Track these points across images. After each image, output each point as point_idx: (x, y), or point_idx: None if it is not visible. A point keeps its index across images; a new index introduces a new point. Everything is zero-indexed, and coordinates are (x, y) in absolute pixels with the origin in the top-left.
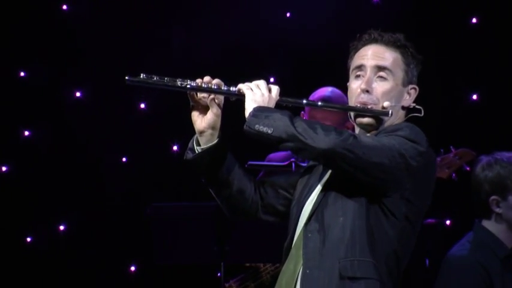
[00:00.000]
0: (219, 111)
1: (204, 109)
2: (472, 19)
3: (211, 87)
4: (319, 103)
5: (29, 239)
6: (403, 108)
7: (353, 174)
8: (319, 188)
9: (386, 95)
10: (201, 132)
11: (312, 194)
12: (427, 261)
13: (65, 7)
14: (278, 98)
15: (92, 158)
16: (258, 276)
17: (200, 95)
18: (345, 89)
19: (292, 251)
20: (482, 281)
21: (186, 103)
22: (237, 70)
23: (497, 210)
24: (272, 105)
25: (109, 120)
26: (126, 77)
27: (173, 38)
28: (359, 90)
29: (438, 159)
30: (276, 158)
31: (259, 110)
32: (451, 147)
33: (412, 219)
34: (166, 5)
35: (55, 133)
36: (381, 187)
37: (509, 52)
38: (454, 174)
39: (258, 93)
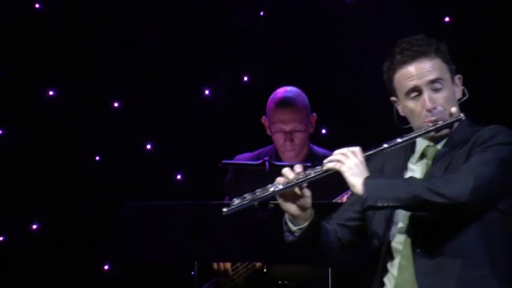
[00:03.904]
0: (309, 193)
1: (291, 196)
2: (445, 18)
3: (301, 179)
4: (398, 140)
5: (1, 238)
6: (458, 100)
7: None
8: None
9: (448, 102)
10: (296, 216)
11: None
12: None
13: (37, 5)
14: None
15: (65, 157)
16: (230, 279)
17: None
18: (309, 87)
19: (403, 262)
20: None
21: (159, 102)
22: (211, 68)
23: None
24: (366, 167)
25: (82, 118)
26: (224, 209)
27: (146, 36)
28: (424, 111)
29: None
30: (244, 157)
31: (371, 185)
32: None
33: None
34: (138, 3)
35: (28, 132)
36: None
37: (483, 51)
38: None
39: (351, 165)
